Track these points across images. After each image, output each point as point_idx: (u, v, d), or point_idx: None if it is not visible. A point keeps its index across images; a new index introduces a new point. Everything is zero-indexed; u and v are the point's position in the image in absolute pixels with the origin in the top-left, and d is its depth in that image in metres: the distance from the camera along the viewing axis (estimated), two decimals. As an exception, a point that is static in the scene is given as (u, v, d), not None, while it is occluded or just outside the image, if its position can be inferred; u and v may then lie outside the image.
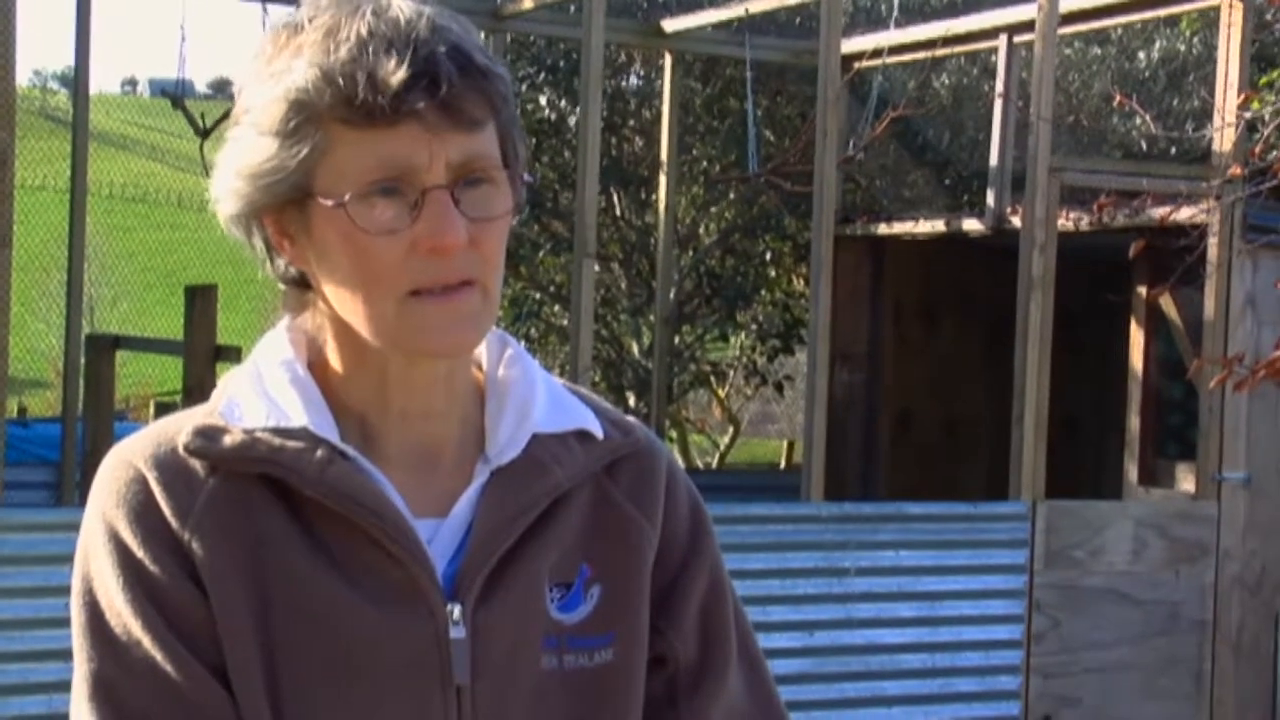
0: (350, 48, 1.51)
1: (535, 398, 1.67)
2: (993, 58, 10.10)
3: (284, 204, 1.57)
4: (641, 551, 1.67)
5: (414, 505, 1.59)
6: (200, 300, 8.07)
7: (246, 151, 1.57)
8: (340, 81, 1.51)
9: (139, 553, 1.54)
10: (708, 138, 13.33)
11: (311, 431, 1.59)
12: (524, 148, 1.63)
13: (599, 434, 1.69)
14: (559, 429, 1.67)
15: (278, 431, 1.59)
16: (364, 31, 1.52)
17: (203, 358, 7.87)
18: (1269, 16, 9.71)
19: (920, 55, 10.26)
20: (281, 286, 1.66)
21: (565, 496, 1.64)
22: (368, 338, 1.57)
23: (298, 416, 1.60)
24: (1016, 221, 8.57)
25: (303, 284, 1.63)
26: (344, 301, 1.57)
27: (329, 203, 1.53)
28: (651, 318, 12.44)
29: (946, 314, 10.47)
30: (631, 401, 14.08)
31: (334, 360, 1.64)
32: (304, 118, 1.53)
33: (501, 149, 1.58)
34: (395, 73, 1.50)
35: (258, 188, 1.57)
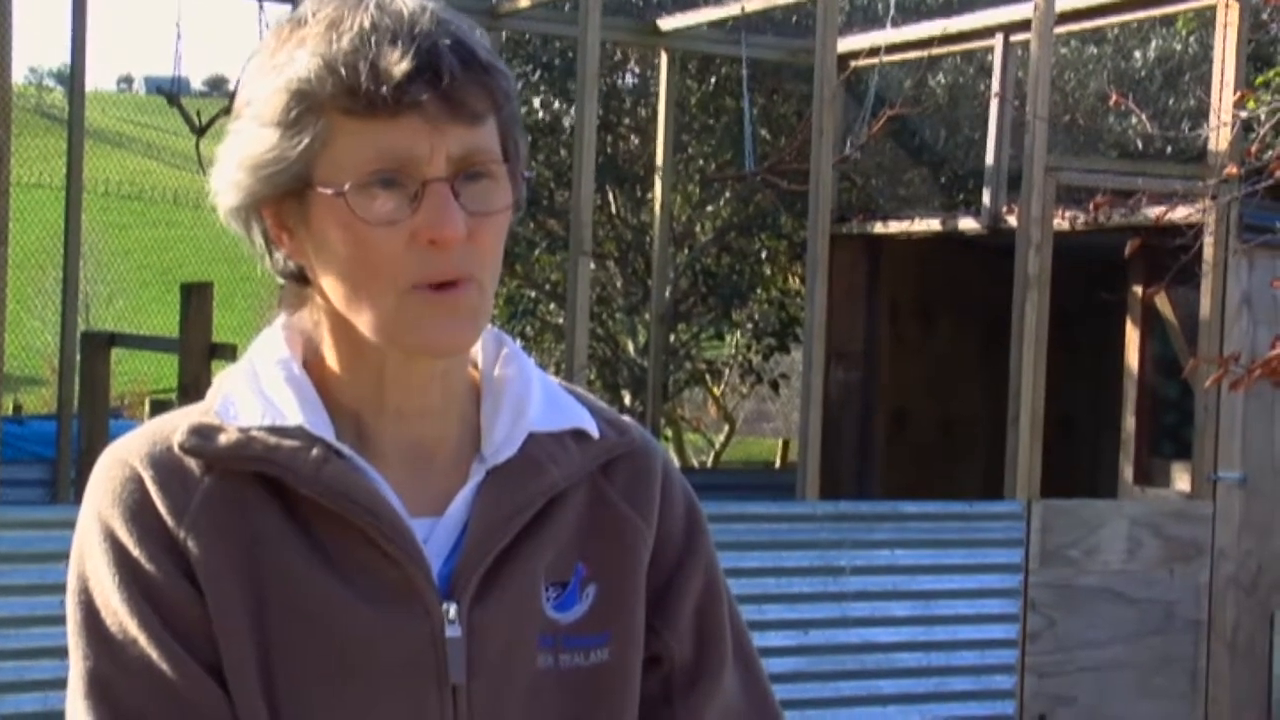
0: (353, 38, 1.52)
1: (531, 397, 1.67)
2: (989, 57, 10.10)
3: (284, 195, 1.57)
4: (637, 551, 1.67)
5: (410, 504, 1.59)
6: (196, 298, 8.07)
7: (248, 143, 1.57)
8: (342, 71, 1.51)
9: (135, 551, 1.54)
10: (704, 136, 13.34)
11: (307, 430, 1.58)
12: (525, 145, 1.63)
13: (595, 433, 1.68)
14: (555, 428, 1.67)
15: (273, 430, 1.58)
16: (367, 23, 1.52)
17: (198, 355, 7.87)
18: (1265, 16, 9.72)
19: (916, 54, 10.26)
20: (280, 281, 1.66)
21: (561, 496, 1.64)
22: (365, 332, 1.57)
23: (293, 415, 1.59)
24: (1012, 220, 8.57)
25: (301, 278, 1.62)
26: (342, 295, 1.57)
27: (328, 192, 1.53)
28: (647, 316, 12.44)
29: (942, 313, 10.47)
30: (627, 400, 14.08)
31: (330, 357, 1.64)
32: (305, 107, 1.53)
33: (503, 145, 1.58)
34: (398, 63, 1.50)
35: (258, 179, 1.56)
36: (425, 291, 1.53)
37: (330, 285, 1.58)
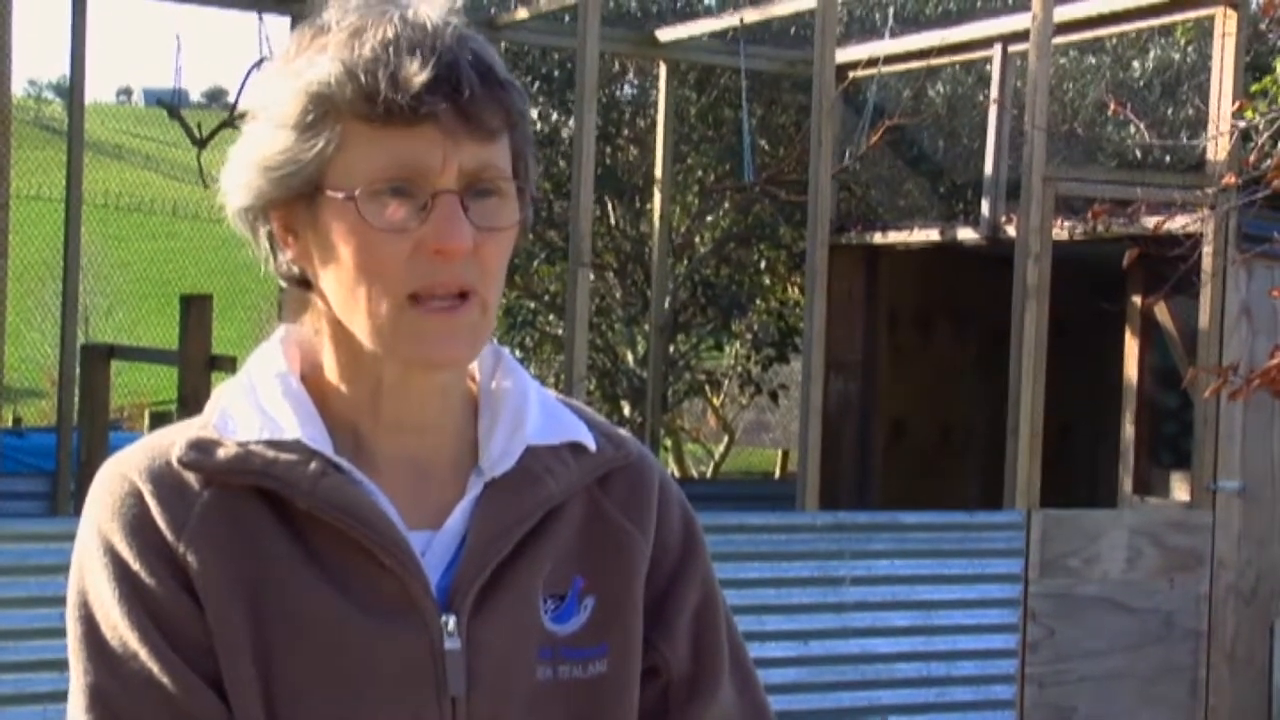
0: (375, 46, 1.53)
1: (528, 410, 1.67)
2: (988, 67, 10.11)
3: (294, 198, 1.58)
4: (634, 563, 1.67)
5: (407, 517, 1.60)
6: (195, 310, 8.07)
7: (262, 144, 1.58)
8: (362, 78, 1.52)
9: (135, 566, 1.55)
10: (702, 147, 13.34)
11: (305, 444, 1.59)
12: (535, 166, 1.64)
13: (592, 446, 1.69)
14: (552, 441, 1.67)
15: (271, 444, 1.59)
16: (390, 33, 1.54)
17: (197, 367, 7.87)
18: (1263, 26, 9.73)
19: (915, 64, 10.27)
20: (282, 285, 1.67)
21: (558, 508, 1.65)
22: (364, 340, 1.58)
23: (291, 429, 1.60)
24: (1011, 230, 8.57)
25: (303, 283, 1.64)
26: (343, 300, 1.58)
27: (339, 196, 1.54)
28: (646, 327, 12.44)
29: (941, 323, 10.47)
30: (626, 410, 14.07)
31: (329, 367, 1.64)
32: (323, 111, 1.54)
33: (514, 164, 1.60)
34: (418, 74, 1.51)
35: (270, 180, 1.57)
36: (425, 306, 1.54)
37: (332, 290, 1.59)
